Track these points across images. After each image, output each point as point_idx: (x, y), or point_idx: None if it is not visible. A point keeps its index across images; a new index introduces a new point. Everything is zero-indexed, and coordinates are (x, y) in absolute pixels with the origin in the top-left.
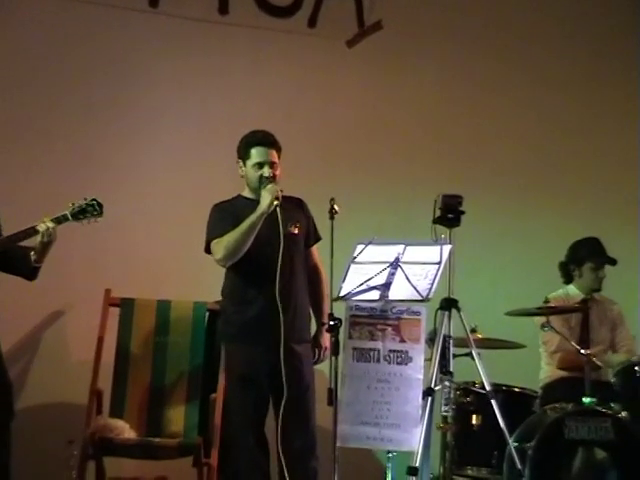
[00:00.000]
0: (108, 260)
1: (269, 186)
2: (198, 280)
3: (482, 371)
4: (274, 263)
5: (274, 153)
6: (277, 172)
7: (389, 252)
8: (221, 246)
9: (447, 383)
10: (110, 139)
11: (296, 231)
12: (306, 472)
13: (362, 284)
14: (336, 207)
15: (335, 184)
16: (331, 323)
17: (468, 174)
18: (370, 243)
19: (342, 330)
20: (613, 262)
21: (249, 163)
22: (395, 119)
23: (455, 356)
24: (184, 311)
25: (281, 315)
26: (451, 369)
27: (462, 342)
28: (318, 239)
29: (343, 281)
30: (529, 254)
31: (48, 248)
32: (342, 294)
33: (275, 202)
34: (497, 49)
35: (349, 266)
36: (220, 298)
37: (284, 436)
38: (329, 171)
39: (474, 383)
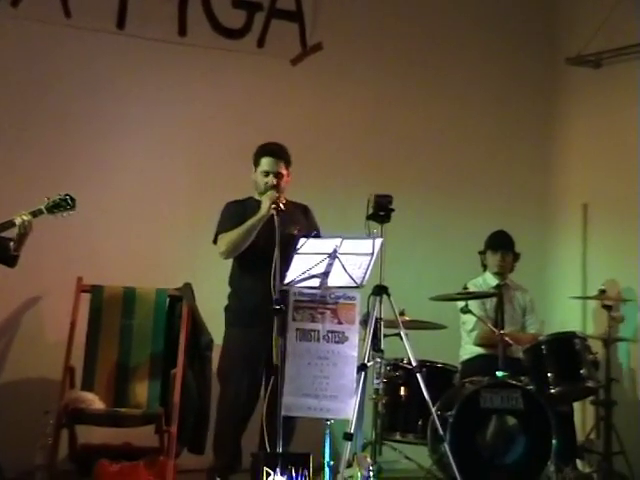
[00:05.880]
0: (80, 251)
1: (269, 192)
2: (160, 268)
3: (409, 349)
4: (271, 259)
5: (282, 165)
6: (282, 182)
7: (328, 245)
8: (224, 242)
9: (378, 360)
10: (79, 142)
11: (295, 232)
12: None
13: (304, 273)
14: (281, 205)
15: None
16: (276, 307)
17: (397, 175)
18: (311, 236)
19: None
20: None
21: (259, 170)
22: (334, 127)
23: (385, 336)
24: (147, 297)
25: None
26: (382, 347)
27: (392, 324)
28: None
29: (287, 270)
30: (451, 246)
31: (25, 238)
32: (286, 282)
33: (273, 205)
34: (422, 66)
35: (293, 257)
36: (178, 285)
37: (271, 401)
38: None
39: (402, 360)
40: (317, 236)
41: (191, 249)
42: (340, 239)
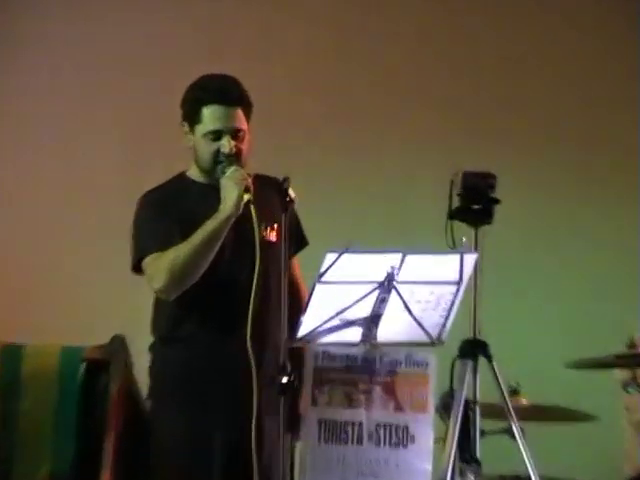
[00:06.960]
0: None
1: (231, 171)
2: (70, 314)
3: (527, 457)
4: (242, 286)
5: (239, 114)
6: (244, 145)
7: (377, 266)
8: (162, 268)
9: (472, 477)
10: None
11: (273, 237)
12: None
13: (333, 317)
14: (291, 193)
15: (289, 159)
16: (283, 381)
17: (500, 147)
18: (346, 252)
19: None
20: None
21: (199, 130)
22: (378, 59)
23: (484, 433)
24: (46, 361)
25: (254, 371)
26: (477, 454)
27: (496, 410)
28: (304, 244)
29: (304, 312)
30: (598, 270)
31: None
32: (301, 334)
33: (246, 196)
34: None
35: (313, 288)
36: (104, 341)
37: None
38: (287, 130)
39: (517, 477)
40: (299, 230)
41: (128, 278)
42: (400, 254)
